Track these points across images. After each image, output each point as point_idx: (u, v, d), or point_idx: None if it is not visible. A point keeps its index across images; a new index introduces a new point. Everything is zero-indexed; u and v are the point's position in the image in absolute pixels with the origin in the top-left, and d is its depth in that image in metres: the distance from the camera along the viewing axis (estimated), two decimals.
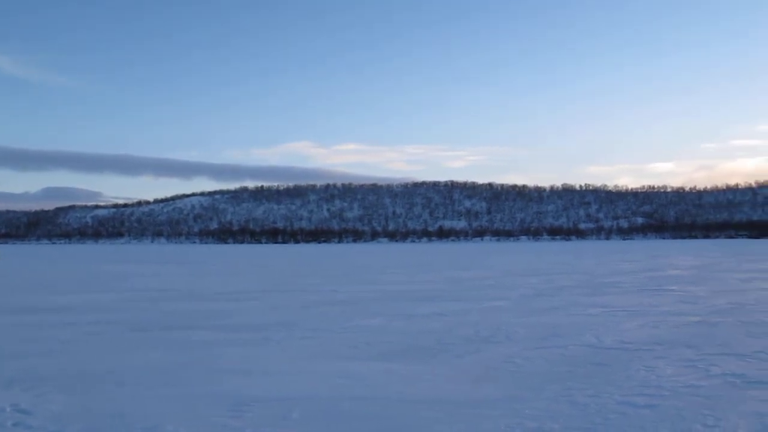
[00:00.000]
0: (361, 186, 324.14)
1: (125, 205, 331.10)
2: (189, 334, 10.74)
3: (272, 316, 13.02)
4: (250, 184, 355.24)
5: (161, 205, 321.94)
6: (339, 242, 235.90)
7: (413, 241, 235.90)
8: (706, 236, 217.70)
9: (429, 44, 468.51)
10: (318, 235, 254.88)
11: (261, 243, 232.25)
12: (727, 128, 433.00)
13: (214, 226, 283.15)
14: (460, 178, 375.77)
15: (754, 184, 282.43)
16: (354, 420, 5.66)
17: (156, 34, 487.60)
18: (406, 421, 5.63)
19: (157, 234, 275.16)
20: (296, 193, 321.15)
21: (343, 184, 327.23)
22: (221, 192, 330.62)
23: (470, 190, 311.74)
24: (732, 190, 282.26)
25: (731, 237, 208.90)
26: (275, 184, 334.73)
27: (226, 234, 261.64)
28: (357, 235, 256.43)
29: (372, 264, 41.59)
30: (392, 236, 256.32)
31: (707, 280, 22.55)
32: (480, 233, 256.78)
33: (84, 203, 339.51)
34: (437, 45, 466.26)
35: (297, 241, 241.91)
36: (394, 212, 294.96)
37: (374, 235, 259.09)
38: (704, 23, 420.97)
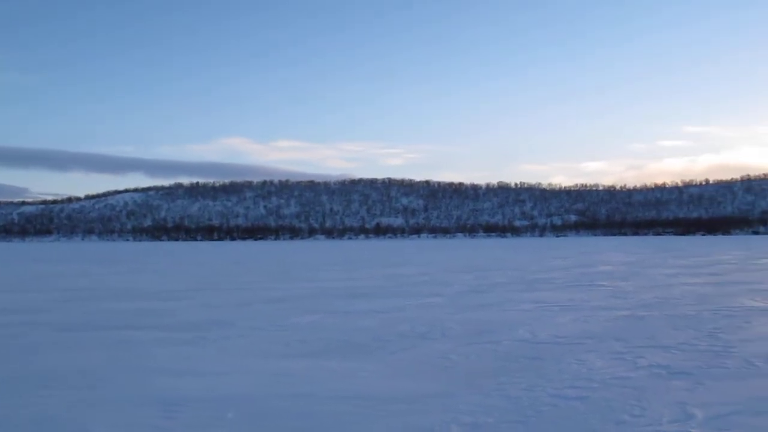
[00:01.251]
0: (298, 183, 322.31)
1: (54, 202, 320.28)
2: (120, 334, 10.48)
3: (207, 315, 12.83)
4: (185, 180, 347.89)
5: (92, 201, 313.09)
6: (276, 239, 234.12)
7: (350, 238, 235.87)
8: (636, 233, 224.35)
9: (365, 41, 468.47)
10: (254, 232, 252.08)
11: (196, 240, 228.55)
12: (655, 129, 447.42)
13: (147, 223, 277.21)
14: (397, 175, 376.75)
15: (680, 183, 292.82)
16: (289, 418, 5.61)
17: (86, 29, 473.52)
18: (341, 418, 5.62)
19: (88, 231, 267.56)
20: (232, 189, 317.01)
21: (279, 181, 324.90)
22: (155, 188, 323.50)
23: (407, 187, 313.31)
24: (660, 189, 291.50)
25: (659, 234, 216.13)
26: (211, 180, 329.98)
27: (160, 231, 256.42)
28: (294, 233, 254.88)
29: (309, 261, 41.42)
30: (329, 233, 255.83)
31: (636, 275, 23.24)
32: (417, 230, 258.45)
33: (9, 199, 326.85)
34: (374, 41, 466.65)
35: (233, 239, 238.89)
36: (331, 209, 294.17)
37: (311, 233, 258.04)
38: (632, 25, 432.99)
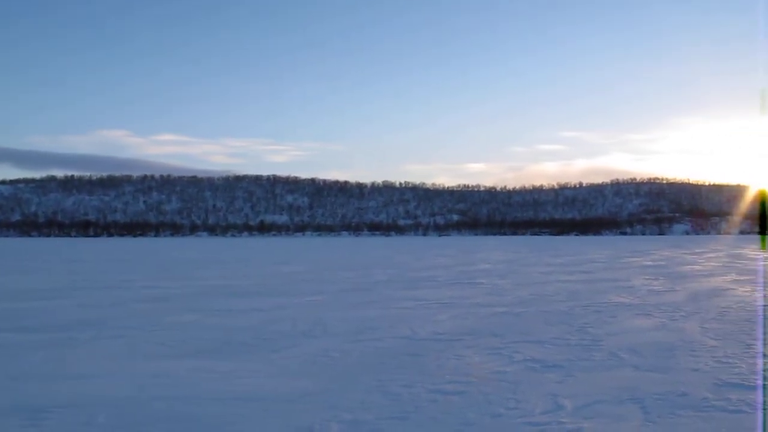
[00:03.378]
0: (180, 178, 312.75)
1: None
2: None
3: (79, 315, 12.24)
4: (59, 173, 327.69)
5: None
6: (156, 236, 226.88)
7: (234, 236, 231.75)
8: (514, 233, 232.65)
9: (251, 36, 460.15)
10: (133, 228, 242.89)
11: (70, 236, 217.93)
12: (534, 133, 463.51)
13: (16, 217, 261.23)
14: (282, 172, 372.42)
15: (556, 186, 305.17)
16: (164, 421, 5.43)
17: None
18: (220, 419, 5.50)
19: None
20: (110, 183, 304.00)
21: (161, 176, 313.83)
22: (25, 181, 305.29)
23: (293, 185, 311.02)
24: (537, 191, 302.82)
25: (536, 234, 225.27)
26: (87, 173, 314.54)
27: (30, 226, 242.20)
28: (175, 229, 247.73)
29: (190, 259, 40.38)
30: (212, 230, 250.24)
31: (513, 273, 24.08)
32: (302, 228, 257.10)
33: None
34: (259, 37, 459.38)
35: (110, 235, 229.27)
36: (214, 206, 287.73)
37: (193, 229, 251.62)
38: (513, 30, 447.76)
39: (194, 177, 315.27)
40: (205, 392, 6.39)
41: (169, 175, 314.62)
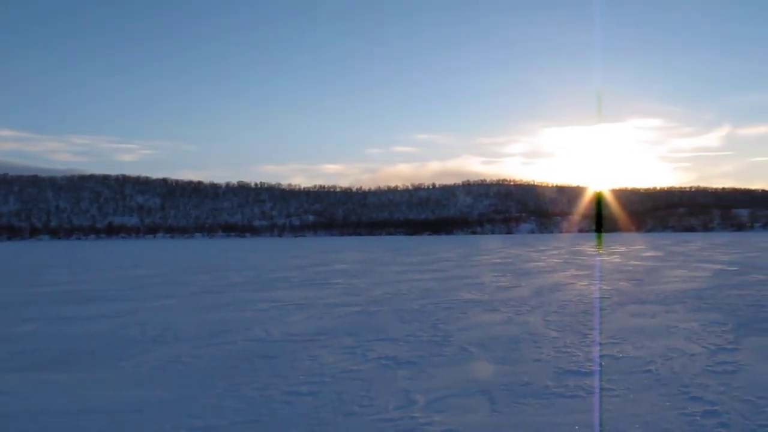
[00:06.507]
0: (19, 177, 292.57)
1: None
2: None
3: None
4: None
5: None
6: None
7: (79, 239, 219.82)
8: (370, 233, 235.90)
9: (95, 26, 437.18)
10: None
11: None
12: (389, 136, 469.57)
13: None
14: (132, 172, 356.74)
15: (410, 187, 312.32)
16: None
17: None
18: None
19: None
20: None
21: None
22: None
23: (143, 185, 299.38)
24: (392, 192, 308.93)
25: (391, 234, 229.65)
26: None
27: None
28: (13, 233, 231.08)
29: (29, 264, 37.83)
30: (55, 233, 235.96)
31: (368, 273, 24.39)
32: (153, 230, 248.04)
33: None
34: (104, 28, 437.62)
35: None
36: (57, 207, 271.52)
37: (34, 233, 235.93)
38: (370, 34, 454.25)
39: (35, 176, 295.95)
40: (46, 407, 6.00)
41: (6, 174, 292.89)
